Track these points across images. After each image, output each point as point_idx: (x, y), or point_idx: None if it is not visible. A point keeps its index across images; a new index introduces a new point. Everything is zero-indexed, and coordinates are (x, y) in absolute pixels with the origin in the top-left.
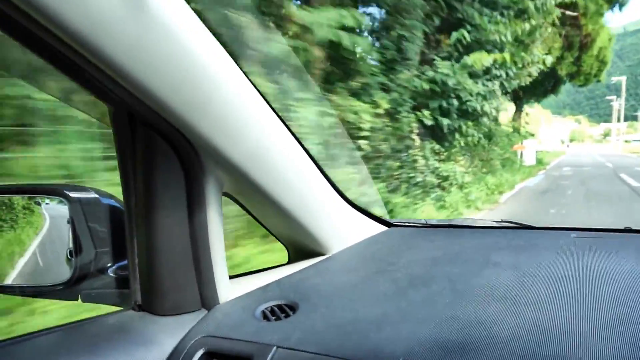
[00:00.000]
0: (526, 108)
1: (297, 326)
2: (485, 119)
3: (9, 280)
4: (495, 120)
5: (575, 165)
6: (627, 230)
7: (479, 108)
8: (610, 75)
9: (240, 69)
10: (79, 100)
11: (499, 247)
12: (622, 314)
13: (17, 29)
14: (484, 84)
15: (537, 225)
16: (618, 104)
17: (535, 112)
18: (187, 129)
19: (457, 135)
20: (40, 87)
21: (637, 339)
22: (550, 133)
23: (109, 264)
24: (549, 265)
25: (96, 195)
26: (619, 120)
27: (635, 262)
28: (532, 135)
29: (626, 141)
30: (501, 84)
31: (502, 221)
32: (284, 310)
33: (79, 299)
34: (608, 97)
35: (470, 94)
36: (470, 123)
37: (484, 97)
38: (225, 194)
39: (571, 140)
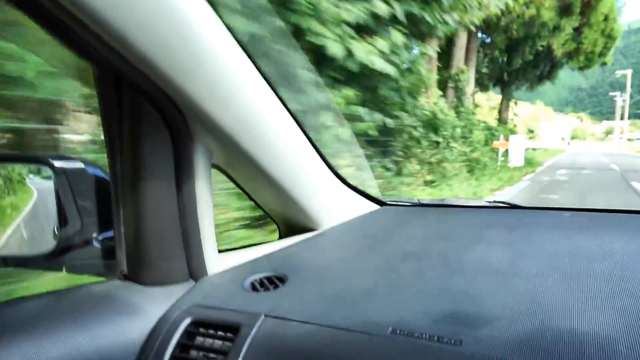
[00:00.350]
0: (517, 102)
1: (286, 296)
2: (404, 90)
3: None
4: (461, 102)
5: (574, 167)
6: (621, 211)
7: (337, 51)
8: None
9: (232, 34)
10: (55, 58)
11: (491, 225)
12: (615, 288)
13: None
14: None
15: (529, 206)
16: (622, 101)
17: (536, 109)
18: (176, 92)
19: (322, 118)
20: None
21: (632, 310)
22: (550, 130)
23: (95, 235)
24: (542, 242)
25: (82, 165)
26: (622, 118)
27: (627, 240)
28: (532, 131)
29: (629, 139)
30: (410, 15)
31: (495, 201)
32: (273, 282)
33: (64, 270)
34: (612, 94)
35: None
36: (351, 93)
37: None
38: (215, 166)
39: (572, 138)
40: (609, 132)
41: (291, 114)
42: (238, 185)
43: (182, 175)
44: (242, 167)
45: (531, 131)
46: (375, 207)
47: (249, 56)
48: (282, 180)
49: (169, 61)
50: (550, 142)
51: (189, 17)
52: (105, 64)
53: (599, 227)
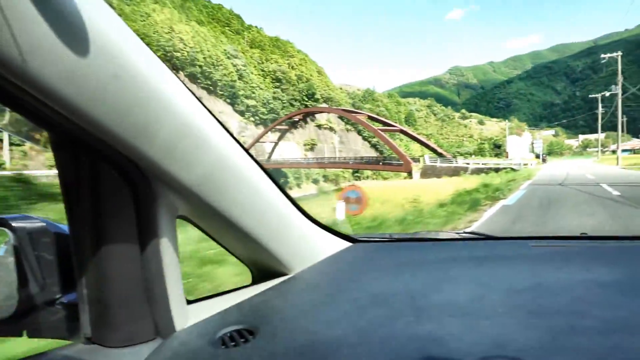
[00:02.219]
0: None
1: (256, 352)
2: None
3: None
4: None
5: None
6: (583, 238)
7: None
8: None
9: (190, 91)
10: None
11: (459, 259)
12: (575, 324)
13: None
14: None
15: (497, 235)
16: (602, 108)
17: (508, 125)
18: (135, 154)
19: None
20: None
21: (590, 349)
22: (520, 145)
23: (58, 296)
24: (507, 277)
25: (44, 224)
26: (603, 129)
27: (587, 270)
28: (498, 147)
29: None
30: None
31: (464, 232)
32: (243, 336)
33: (24, 335)
34: (592, 96)
35: None
36: None
37: None
38: (181, 217)
39: (549, 153)
40: (586, 146)
41: (254, 159)
42: (207, 234)
43: (145, 232)
44: (210, 218)
45: (497, 147)
46: (347, 244)
47: (208, 110)
48: (250, 229)
49: (126, 126)
50: (519, 158)
51: (145, 79)
52: (60, 130)
53: (562, 257)
